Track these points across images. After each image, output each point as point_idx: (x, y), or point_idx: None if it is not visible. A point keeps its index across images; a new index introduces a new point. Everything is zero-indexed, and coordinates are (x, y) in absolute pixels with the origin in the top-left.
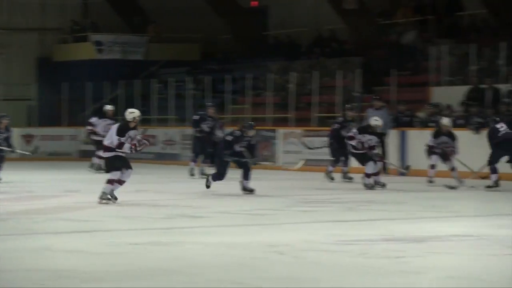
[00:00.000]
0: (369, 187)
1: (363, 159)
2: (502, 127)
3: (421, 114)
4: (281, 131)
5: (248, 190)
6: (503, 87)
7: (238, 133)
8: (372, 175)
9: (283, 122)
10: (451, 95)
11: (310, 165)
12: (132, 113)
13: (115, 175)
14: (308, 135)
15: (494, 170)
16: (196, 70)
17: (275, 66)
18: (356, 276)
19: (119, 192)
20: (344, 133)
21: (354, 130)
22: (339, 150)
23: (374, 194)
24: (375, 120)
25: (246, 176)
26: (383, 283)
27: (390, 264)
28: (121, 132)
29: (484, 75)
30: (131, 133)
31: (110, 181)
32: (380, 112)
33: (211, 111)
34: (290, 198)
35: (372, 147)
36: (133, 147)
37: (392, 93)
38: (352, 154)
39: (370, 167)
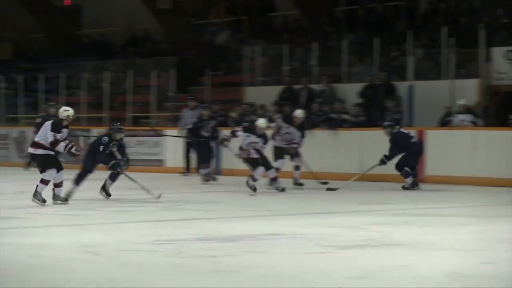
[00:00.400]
0: (252, 188)
1: (254, 163)
2: (409, 132)
3: (234, 114)
4: (95, 130)
5: (106, 193)
6: (316, 87)
7: (106, 138)
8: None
9: (98, 122)
10: (264, 95)
11: (132, 164)
12: (67, 111)
13: (50, 175)
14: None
15: (408, 174)
16: (8, 69)
17: (89, 66)
18: (172, 275)
19: None
20: (204, 133)
21: (240, 128)
22: (204, 151)
23: (188, 194)
24: (262, 123)
25: (113, 178)
26: (198, 283)
27: (205, 263)
28: (56, 129)
29: (297, 75)
30: (64, 132)
31: (44, 182)
32: (195, 112)
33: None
34: (105, 198)
35: (259, 151)
36: (67, 147)
37: (207, 93)
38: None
39: (259, 172)
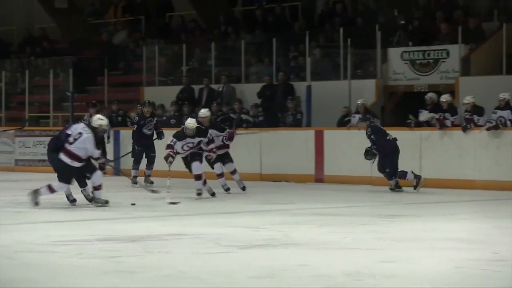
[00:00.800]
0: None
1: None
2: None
3: (133, 114)
4: None
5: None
6: (214, 87)
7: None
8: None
9: None
10: (163, 94)
11: (22, 165)
12: (101, 120)
13: (62, 188)
14: (21, 135)
15: (404, 175)
16: None
17: None
18: (73, 276)
19: None
20: (146, 131)
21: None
22: (141, 152)
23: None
24: (191, 123)
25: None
26: (99, 283)
27: (105, 264)
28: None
29: (196, 75)
30: None
31: (52, 189)
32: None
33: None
34: (2, 199)
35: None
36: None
37: (105, 92)
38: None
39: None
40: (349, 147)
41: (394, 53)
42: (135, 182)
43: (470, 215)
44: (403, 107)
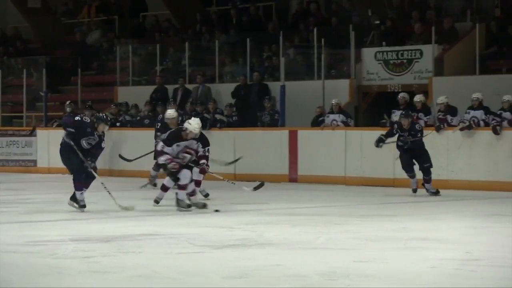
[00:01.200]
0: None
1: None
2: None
3: (108, 114)
4: None
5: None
6: (189, 87)
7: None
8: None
9: None
10: (137, 94)
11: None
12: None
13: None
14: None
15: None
16: None
17: None
18: (47, 277)
19: None
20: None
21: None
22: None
23: (62, 195)
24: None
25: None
26: (73, 283)
27: (80, 264)
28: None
29: (170, 75)
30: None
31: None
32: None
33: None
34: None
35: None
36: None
37: (79, 92)
38: None
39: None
40: (323, 147)
41: (368, 53)
42: (154, 184)
43: (444, 215)
44: (376, 107)
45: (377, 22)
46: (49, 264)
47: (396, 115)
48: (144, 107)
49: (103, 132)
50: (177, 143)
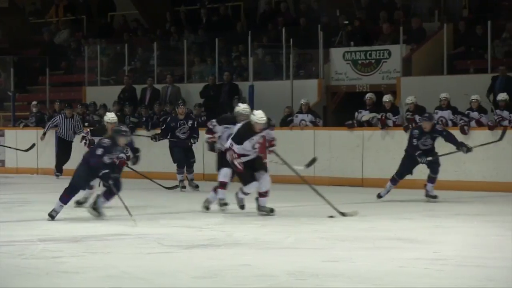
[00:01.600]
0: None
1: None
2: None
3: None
4: None
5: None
6: (158, 87)
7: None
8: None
9: None
10: (105, 94)
11: None
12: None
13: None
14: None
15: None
16: None
17: None
18: (16, 277)
19: None
20: (179, 134)
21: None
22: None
23: (31, 195)
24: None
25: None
26: (42, 284)
27: (48, 265)
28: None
29: (138, 75)
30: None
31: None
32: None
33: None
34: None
35: None
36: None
37: (47, 92)
38: None
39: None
40: (291, 146)
41: (336, 53)
42: (183, 186)
43: (412, 215)
44: (345, 107)
45: (346, 22)
46: (18, 265)
47: (363, 115)
48: (112, 107)
49: (126, 144)
50: (250, 138)
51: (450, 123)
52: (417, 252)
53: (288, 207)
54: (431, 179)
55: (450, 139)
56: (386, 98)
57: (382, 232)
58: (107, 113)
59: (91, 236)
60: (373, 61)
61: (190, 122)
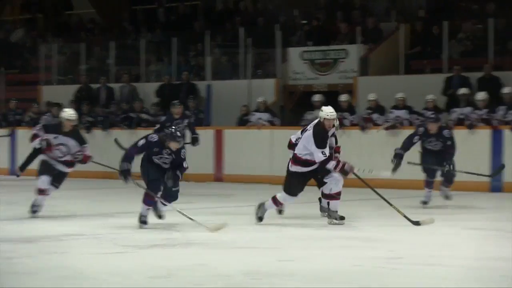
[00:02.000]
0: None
1: None
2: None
3: (30, 113)
4: None
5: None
6: (115, 86)
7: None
8: None
9: None
10: (61, 94)
11: None
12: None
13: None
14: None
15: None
16: None
17: None
18: None
19: None
20: None
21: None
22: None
23: None
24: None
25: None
26: None
27: (2, 265)
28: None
29: (95, 74)
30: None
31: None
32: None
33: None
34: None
35: None
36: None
37: (1, 91)
38: None
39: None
40: (249, 146)
41: (294, 52)
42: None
43: (368, 213)
44: (302, 106)
45: (304, 21)
46: None
47: (312, 115)
48: (69, 106)
49: (177, 149)
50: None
51: (406, 122)
52: (372, 251)
53: (244, 206)
54: (445, 185)
55: (448, 150)
56: (343, 98)
57: (338, 231)
58: (66, 109)
59: (45, 236)
60: (330, 60)
61: (186, 121)
